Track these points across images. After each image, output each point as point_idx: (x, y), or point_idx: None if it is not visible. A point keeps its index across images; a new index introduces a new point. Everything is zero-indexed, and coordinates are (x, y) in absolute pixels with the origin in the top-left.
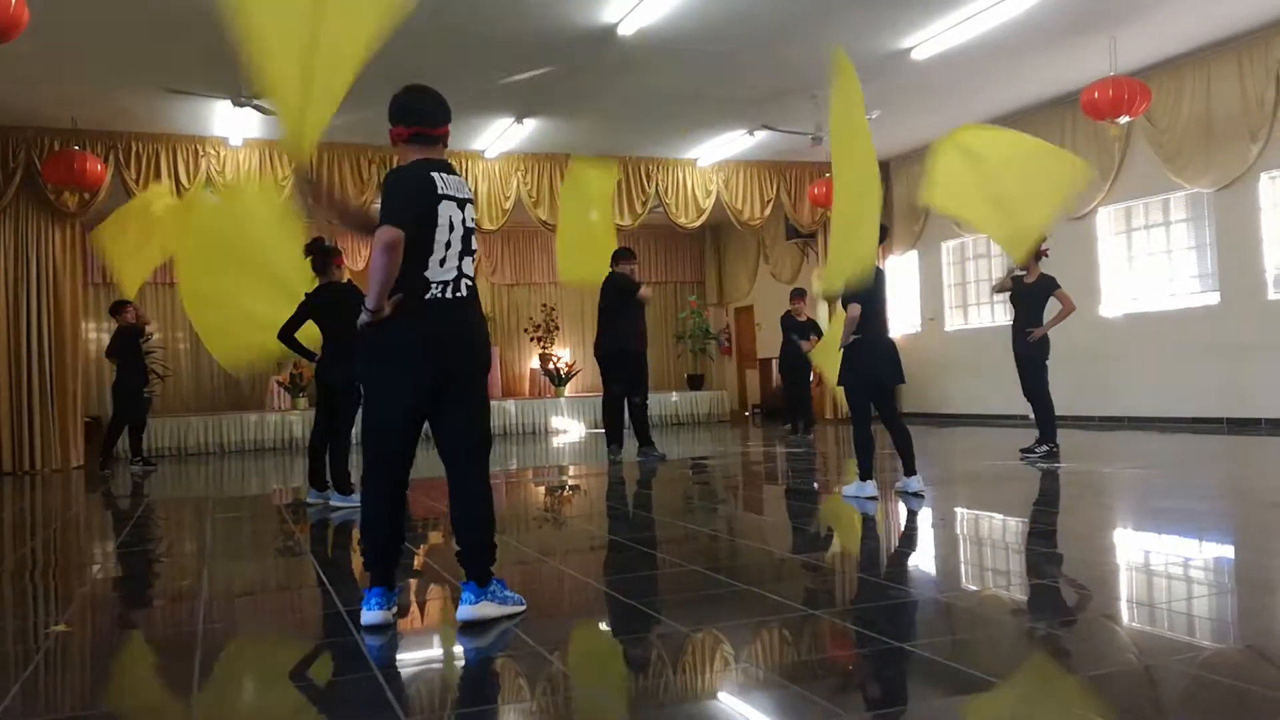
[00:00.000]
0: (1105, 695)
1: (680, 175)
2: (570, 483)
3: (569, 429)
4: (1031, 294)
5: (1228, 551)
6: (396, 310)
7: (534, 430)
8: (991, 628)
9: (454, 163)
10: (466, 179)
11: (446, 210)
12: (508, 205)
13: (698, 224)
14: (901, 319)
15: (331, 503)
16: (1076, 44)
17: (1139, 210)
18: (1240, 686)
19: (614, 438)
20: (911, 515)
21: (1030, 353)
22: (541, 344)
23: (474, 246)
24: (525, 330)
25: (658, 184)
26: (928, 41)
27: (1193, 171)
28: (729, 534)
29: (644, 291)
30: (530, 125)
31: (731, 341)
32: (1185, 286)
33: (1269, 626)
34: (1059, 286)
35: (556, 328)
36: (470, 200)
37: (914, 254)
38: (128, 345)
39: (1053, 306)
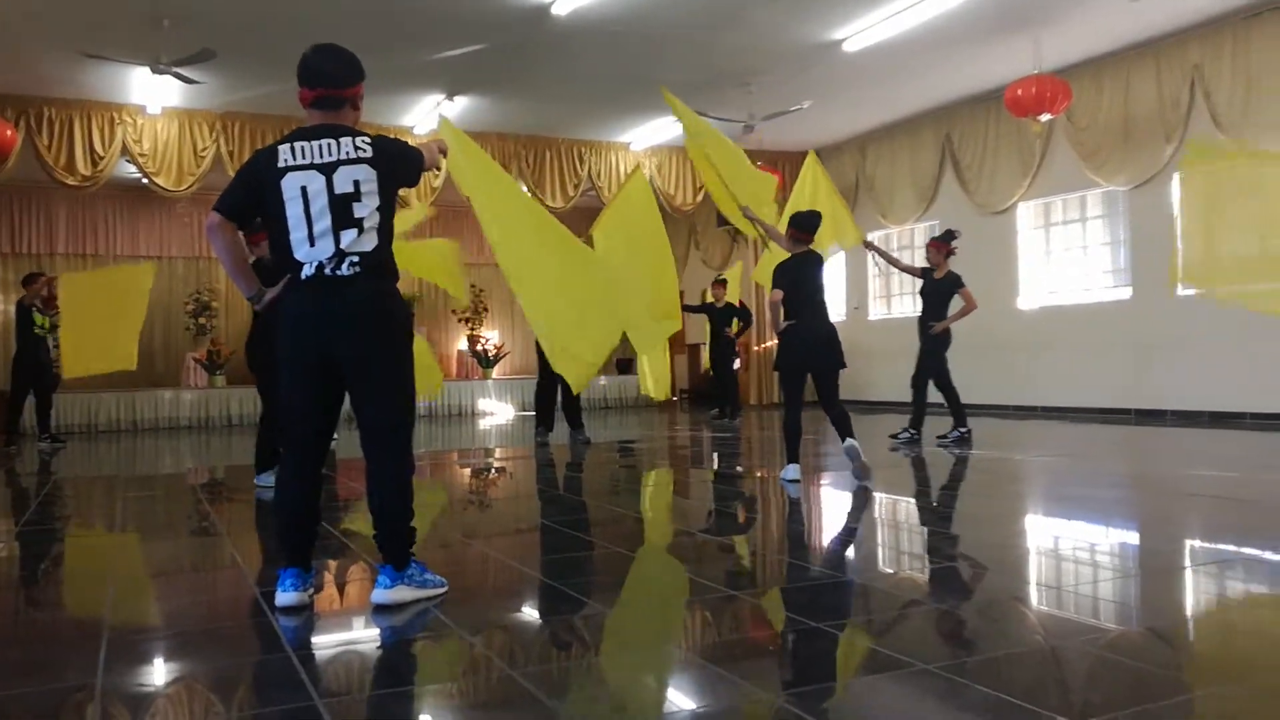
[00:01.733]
0: (1013, 674)
1: (613, 159)
2: (497, 465)
3: (497, 411)
4: (938, 289)
5: (1132, 538)
6: (286, 291)
7: (461, 412)
8: (906, 609)
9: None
10: None
11: (296, 181)
12: (436, 183)
13: None
14: (828, 308)
15: (256, 482)
16: (1002, 42)
17: (1057, 206)
18: (1140, 667)
19: (543, 420)
20: (833, 499)
21: (931, 345)
22: (470, 325)
23: (359, 215)
24: (453, 311)
25: (590, 167)
26: (859, 34)
27: (1110, 169)
28: (654, 517)
29: None
30: (461, 103)
31: None
32: (1099, 281)
33: (1168, 610)
34: (964, 285)
35: (485, 309)
36: (352, 161)
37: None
38: (25, 320)
39: (958, 302)
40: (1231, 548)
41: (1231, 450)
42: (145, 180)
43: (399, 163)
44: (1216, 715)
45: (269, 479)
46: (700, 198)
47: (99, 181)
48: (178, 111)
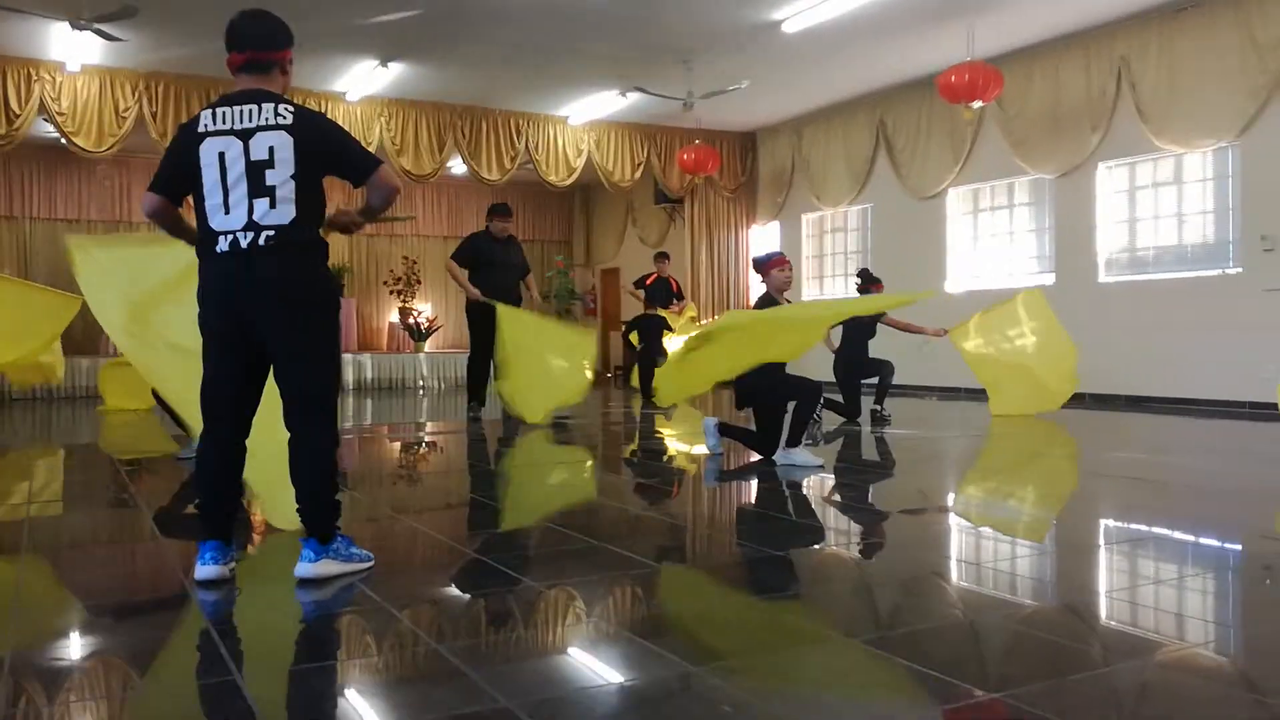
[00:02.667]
0: (933, 647)
1: (551, 132)
2: (427, 439)
3: (429, 385)
4: (860, 322)
5: (1048, 515)
6: (200, 259)
7: (392, 386)
8: (830, 583)
9: (314, 105)
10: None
11: (214, 147)
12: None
13: (568, 183)
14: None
15: (181, 454)
16: (938, 28)
17: (986, 192)
18: (1055, 640)
19: (475, 395)
20: (765, 478)
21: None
22: (402, 298)
23: (272, 182)
24: (385, 283)
25: (528, 139)
26: (798, 15)
27: (1037, 157)
28: (585, 492)
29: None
30: (395, 69)
31: (597, 303)
32: (1024, 267)
33: (1081, 585)
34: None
35: (418, 281)
36: (271, 127)
37: (776, 225)
38: None
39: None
40: (1143, 527)
41: (1145, 433)
42: (64, 140)
43: (324, 137)
44: (1128, 688)
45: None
46: (639, 174)
47: (14, 140)
48: (99, 70)
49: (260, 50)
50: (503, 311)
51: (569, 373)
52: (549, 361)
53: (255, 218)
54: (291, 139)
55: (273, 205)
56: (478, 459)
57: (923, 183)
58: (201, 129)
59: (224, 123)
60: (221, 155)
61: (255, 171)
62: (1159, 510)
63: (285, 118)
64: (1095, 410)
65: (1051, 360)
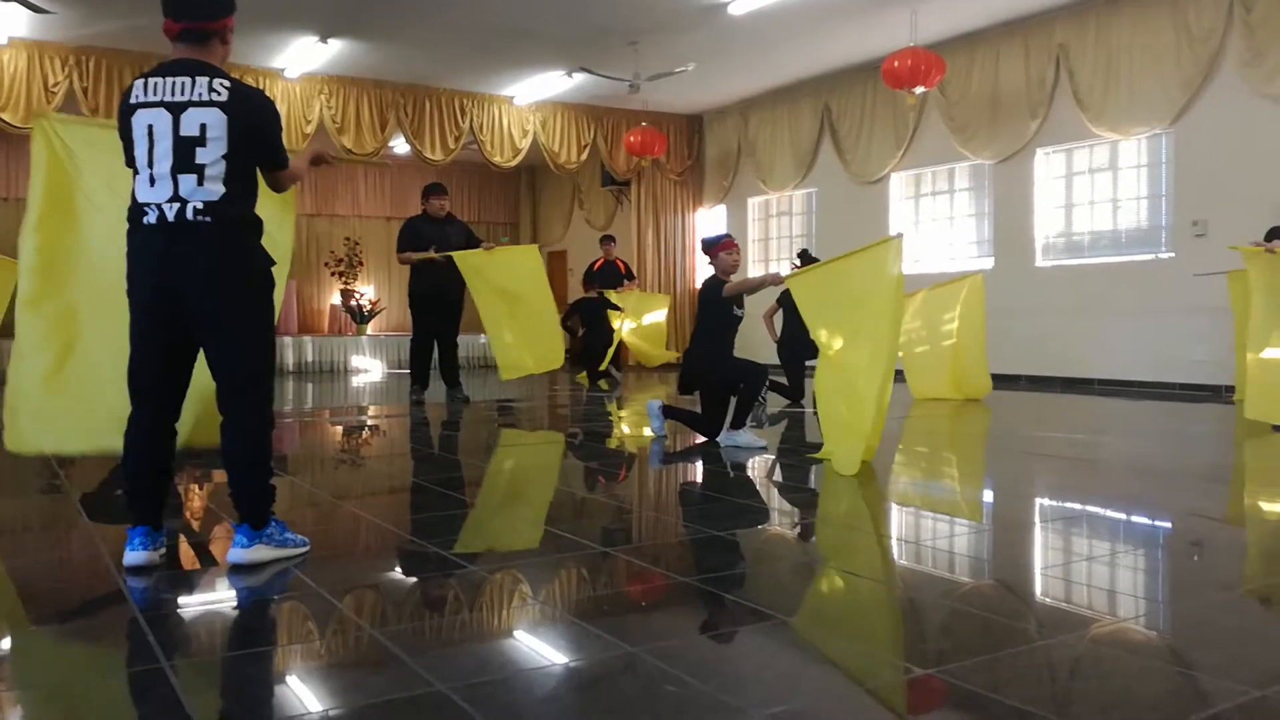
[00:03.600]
0: (872, 625)
1: (496, 113)
2: (370, 423)
3: (371, 368)
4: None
5: (984, 494)
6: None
7: (333, 369)
8: (769, 564)
9: (251, 82)
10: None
11: (144, 119)
12: (309, 129)
13: (513, 164)
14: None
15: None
16: (882, 13)
17: (928, 177)
18: (990, 617)
19: (418, 378)
20: (709, 459)
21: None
22: (344, 279)
23: (201, 160)
24: (326, 264)
25: (472, 119)
26: None
27: (978, 143)
28: (528, 476)
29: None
30: (336, 46)
31: None
32: (964, 251)
33: (1016, 562)
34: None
35: (360, 263)
36: (204, 104)
37: (722, 208)
38: None
39: None
40: (1076, 505)
41: (1079, 414)
42: None
43: (258, 116)
44: (1061, 662)
45: None
46: (585, 156)
47: None
48: (26, 43)
49: (198, 20)
50: (461, 265)
51: (546, 331)
52: (529, 311)
53: (182, 193)
54: (225, 117)
55: (200, 183)
56: (420, 443)
57: (866, 167)
58: (134, 100)
59: (154, 94)
60: (150, 128)
61: (184, 147)
62: (1092, 489)
63: (220, 94)
64: (1031, 392)
65: (969, 351)
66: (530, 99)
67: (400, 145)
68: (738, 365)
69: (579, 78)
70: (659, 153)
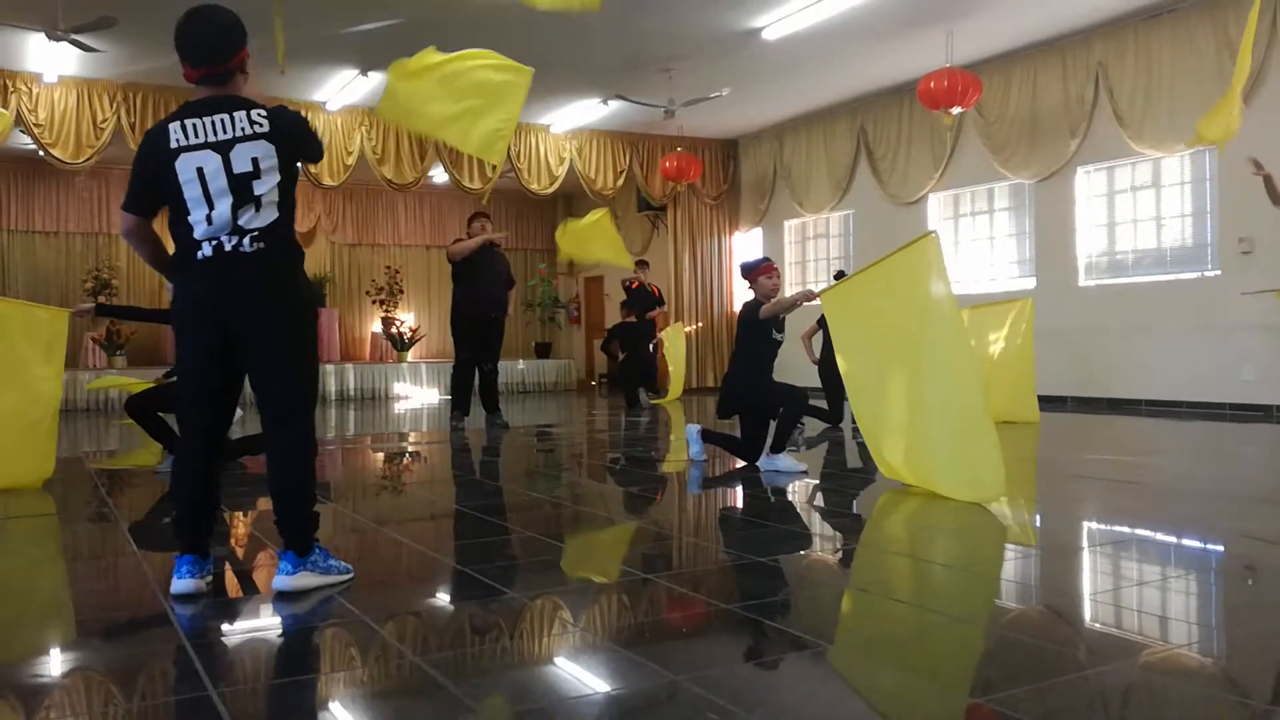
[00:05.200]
0: (918, 653)
1: (534, 141)
2: (411, 450)
3: (412, 395)
4: None
5: (1032, 518)
6: (175, 271)
7: (375, 396)
8: (815, 590)
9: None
10: None
11: (190, 163)
12: (350, 161)
13: (551, 191)
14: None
15: (159, 468)
16: (917, 35)
17: (966, 197)
18: (1038, 644)
19: (459, 404)
20: (749, 484)
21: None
22: (384, 307)
23: (259, 192)
24: (367, 293)
25: (510, 148)
26: (779, 22)
27: (1016, 163)
28: (570, 502)
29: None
30: (376, 79)
31: (580, 311)
32: (1005, 271)
33: (1065, 588)
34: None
35: (401, 291)
36: (250, 137)
37: (758, 231)
38: None
39: None
40: (1125, 529)
41: (1126, 436)
42: (41, 152)
43: (299, 136)
44: (1112, 690)
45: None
46: (621, 182)
47: None
48: (76, 81)
49: (214, 65)
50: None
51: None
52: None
53: (241, 223)
54: (273, 146)
55: (258, 210)
56: (461, 469)
57: (904, 189)
58: (174, 145)
59: (198, 136)
60: (200, 170)
61: (241, 184)
62: (1141, 512)
63: (262, 125)
64: (1077, 414)
65: (1011, 375)
66: (566, 126)
67: (439, 175)
68: (778, 389)
69: (614, 105)
70: (694, 177)
